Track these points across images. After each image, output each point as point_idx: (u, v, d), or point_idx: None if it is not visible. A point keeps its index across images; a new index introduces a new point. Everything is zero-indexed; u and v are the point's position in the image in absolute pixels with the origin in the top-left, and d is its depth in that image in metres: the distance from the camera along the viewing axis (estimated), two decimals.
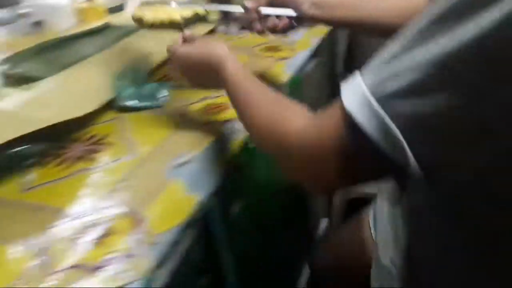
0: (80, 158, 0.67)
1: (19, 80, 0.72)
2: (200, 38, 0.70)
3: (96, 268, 0.47)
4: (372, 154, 0.36)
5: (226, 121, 0.74)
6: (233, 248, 0.78)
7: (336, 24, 0.73)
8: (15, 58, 0.81)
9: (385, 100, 0.35)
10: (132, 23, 1.03)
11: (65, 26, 1.07)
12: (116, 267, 0.48)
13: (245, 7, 0.75)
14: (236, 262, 0.79)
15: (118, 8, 1.22)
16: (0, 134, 0.60)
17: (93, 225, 0.53)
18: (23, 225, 0.54)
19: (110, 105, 0.79)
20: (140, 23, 0.76)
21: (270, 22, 0.75)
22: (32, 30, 0.93)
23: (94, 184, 0.60)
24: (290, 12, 0.74)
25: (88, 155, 0.67)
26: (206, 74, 0.63)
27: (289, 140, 0.45)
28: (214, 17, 0.86)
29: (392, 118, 0.34)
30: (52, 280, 0.46)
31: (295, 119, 0.46)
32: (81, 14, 1.12)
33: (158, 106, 0.79)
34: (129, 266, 0.48)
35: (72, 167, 0.65)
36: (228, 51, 0.61)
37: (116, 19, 1.14)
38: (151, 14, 0.76)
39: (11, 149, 0.62)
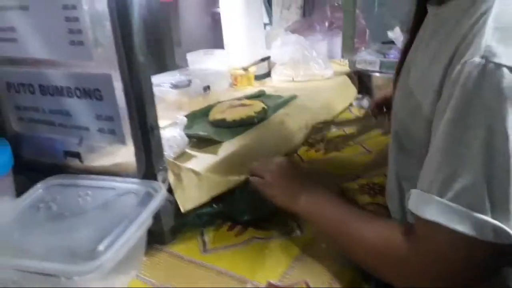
0: (250, 225, 0.69)
1: (200, 142, 0.80)
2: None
3: None
4: (478, 248, 0.41)
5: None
6: None
7: None
8: (192, 118, 0.91)
9: (456, 198, 0.40)
10: (285, 93, 1.11)
11: (222, 89, 1.17)
12: None
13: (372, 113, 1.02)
14: None
15: (265, 76, 1.31)
16: (195, 196, 0.65)
17: None
18: (208, 286, 0.57)
19: None
20: (224, 122, 0.88)
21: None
22: (201, 92, 1.04)
23: (272, 256, 0.62)
24: None
25: (258, 224, 0.70)
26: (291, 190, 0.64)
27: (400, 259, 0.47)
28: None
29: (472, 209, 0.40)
30: None
31: (394, 238, 0.48)
32: (235, 79, 1.23)
33: None
34: None
35: (245, 234, 0.67)
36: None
37: (263, 85, 1.23)
38: (230, 115, 0.89)
39: (197, 210, 0.67)
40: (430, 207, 0.42)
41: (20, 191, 0.66)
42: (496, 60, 0.38)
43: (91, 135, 0.65)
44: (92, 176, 0.65)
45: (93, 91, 0.61)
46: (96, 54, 0.56)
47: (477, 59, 0.39)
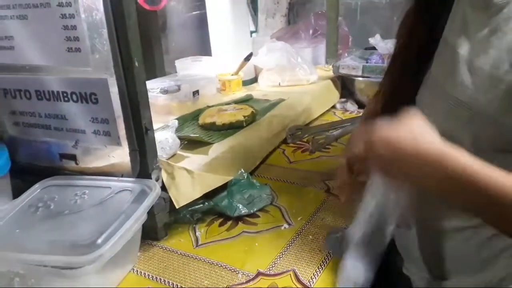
0: (240, 220, 0.73)
1: (190, 144, 0.83)
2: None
3: None
4: None
5: None
6: None
7: None
8: (182, 121, 0.94)
9: None
10: (272, 97, 1.16)
11: (210, 94, 1.21)
12: None
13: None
14: None
15: (252, 81, 1.35)
16: (188, 193, 0.69)
17: None
18: (201, 276, 0.60)
19: None
20: (214, 126, 0.92)
21: None
22: (190, 97, 1.08)
23: (261, 248, 0.66)
24: None
25: (248, 219, 0.73)
26: (419, 169, 0.44)
27: None
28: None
29: None
30: None
31: None
32: (223, 85, 1.27)
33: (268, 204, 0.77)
34: None
35: (236, 229, 0.71)
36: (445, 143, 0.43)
37: (250, 90, 1.27)
38: (219, 119, 0.93)
39: (189, 207, 0.71)
40: None
41: (16, 194, 0.68)
42: None
43: (86, 138, 0.68)
44: (88, 176, 0.68)
45: (89, 95, 0.64)
46: (92, 60, 0.60)
47: None
